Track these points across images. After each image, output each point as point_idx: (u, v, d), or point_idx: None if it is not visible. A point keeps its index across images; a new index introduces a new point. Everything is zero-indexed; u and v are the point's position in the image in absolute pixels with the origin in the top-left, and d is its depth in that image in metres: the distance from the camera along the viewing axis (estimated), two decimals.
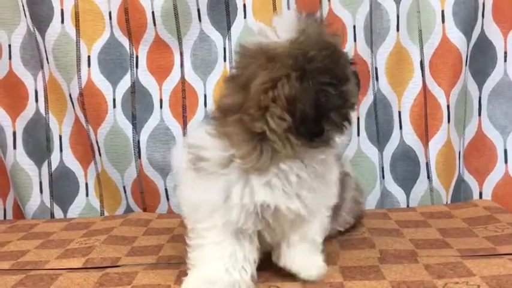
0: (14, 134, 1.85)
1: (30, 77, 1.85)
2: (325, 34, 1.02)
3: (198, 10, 1.78)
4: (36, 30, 1.79)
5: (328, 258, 1.18)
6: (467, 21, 1.73)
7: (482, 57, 1.79)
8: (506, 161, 1.80)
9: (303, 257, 1.10)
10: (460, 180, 1.82)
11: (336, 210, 1.26)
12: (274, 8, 1.77)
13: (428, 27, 1.75)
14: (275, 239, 1.10)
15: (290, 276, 1.10)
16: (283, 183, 1.01)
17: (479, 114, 1.82)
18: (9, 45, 1.83)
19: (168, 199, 1.83)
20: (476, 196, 1.83)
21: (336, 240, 1.34)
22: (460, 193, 1.82)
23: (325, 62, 0.97)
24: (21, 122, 1.85)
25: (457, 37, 1.72)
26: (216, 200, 1.01)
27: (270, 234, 1.08)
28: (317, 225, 1.11)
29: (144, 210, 1.84)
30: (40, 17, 1.77)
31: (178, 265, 1.17)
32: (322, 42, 0.99)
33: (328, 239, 1.24)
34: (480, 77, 1.80)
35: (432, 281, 1.05)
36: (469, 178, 1.84)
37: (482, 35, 1.77)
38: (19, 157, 1.85)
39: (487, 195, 1.81)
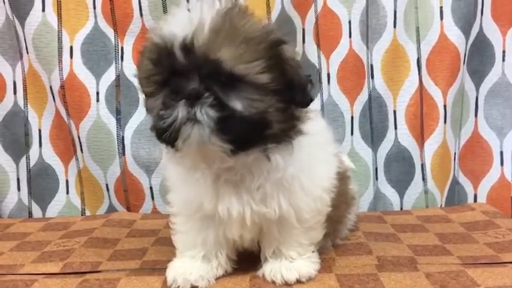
0: None
1: (8, 68, 1.78)
2: None
3: (187, 0, 1.70)
4: (15, 18, 1.71)
5: (323, 264, 1.13)
6: (466, 18, 1.68)
7: (480, 57, 1.75)
8: (502, 163, 1.76)
9: (277, 263, 1.09)
10: (455, 183, 1.77)
11: (336, 226, 1.24)
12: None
13: (426, 24, 1.70)
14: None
15: (285, 285, 1.06)
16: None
17: (476, 115, 1.77)
18: None
19: (153, 198, 1.76)
20: (470, 199, 1.79)
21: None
22: (455, 195, 1.78)
23: None
24: None
25: (455, 35, 1.67)
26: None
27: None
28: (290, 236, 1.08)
29: (128, 209, 1.77)
30: (20, 5, 1.69)
31: (164, 271, 1.10)
32: None
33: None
34: (477, 77, 1.76)
35: None
36: (463, 180, 1.80)
37: (481, 33, 1.72)
38: None
39: (482, 198, 1.78)
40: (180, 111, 0.90)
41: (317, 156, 1.06)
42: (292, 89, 0.95)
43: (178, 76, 0.91)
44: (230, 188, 1.01)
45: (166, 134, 0.92)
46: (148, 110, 1.01)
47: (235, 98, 0.91)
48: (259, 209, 1.02)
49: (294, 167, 1.01)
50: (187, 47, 0.89)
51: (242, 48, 0.89)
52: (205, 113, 0.89)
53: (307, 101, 0.98)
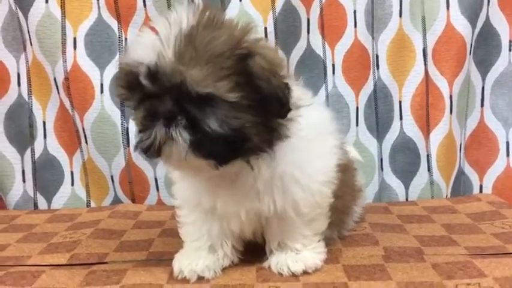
0: None
1: (12, 60, 1.77)
2: None
3: None
4: (18, 10, 1.70)
5: (330, 256, 1.13)
6: (472, 8, 1.66)
7: (486, 46, 1.73)
8: (508, 154, 1.75)
9: (283, 255, 1.09)
10: (460, 173, 1.77)
11: (342, 217, 1.24)
12: None
13: (432, 14, 1.68)
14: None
15: (291, 276, 1.05)
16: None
17: (482, 105, 1.76)
18: None
19: (158, 189, 1.76)
20: (476, 189, 1.78)
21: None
22: (460, 186, 1.78)
23: None
24: (2, 106, 1.77)
25: (461, 24, 1.66)
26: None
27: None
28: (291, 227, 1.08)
29: (133, 201, 1.77)
30: None
31: (171, 262, 1.10)
32: None
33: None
34: (484, 67, 1.74)
35: (442, 282, 0.99)
36: (469, 171, 1.79)
37: (487, 22, 1.71)
38: (0, 144, 1.77)
39: (487, 188, 1.77)
40: (158, 132, 0.91)
41: (314, 149, 1.04)
42: (267, 103, 0.92)
43: (151, 98, 0.92)
44: (226, 186, 1.02)
45: (149, 153, 0.94)
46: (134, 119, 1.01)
47: (209, 117, 0.90)
48: (253, 205, 1.02)
49: (285, 164, 1.00)
50: (153, 75, 0.88)
51: (208, 69, 0.87)
52: (180, 135, 0.90)
53: (283, 113, 0.95)
